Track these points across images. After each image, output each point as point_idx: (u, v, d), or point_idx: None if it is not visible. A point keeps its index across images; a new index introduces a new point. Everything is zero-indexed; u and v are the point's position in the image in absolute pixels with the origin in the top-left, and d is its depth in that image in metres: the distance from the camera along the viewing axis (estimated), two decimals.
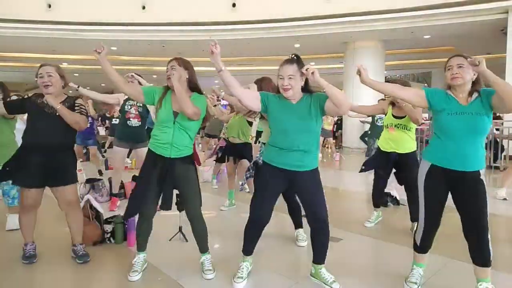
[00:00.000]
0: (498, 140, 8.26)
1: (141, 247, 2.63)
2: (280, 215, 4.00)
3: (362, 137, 11.09)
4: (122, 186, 4.94)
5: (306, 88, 2.32)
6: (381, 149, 3.60)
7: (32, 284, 2.52)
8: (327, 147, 11.95)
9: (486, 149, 8.33)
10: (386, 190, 4.76)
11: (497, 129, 8.45)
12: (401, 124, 3.43)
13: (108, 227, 3.22)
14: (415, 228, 3.47)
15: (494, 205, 4.75)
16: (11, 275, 2.61)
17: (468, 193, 2.15)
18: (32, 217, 2.82)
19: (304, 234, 3.21)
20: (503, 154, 8.32)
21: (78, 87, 3.85)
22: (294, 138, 2.26)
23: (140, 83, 3.98)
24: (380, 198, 3.83)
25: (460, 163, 2.14)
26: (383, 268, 2.82)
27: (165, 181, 2.45)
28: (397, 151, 3.47)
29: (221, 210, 4.34)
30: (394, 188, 4.59)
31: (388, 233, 3.59)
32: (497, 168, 7.91)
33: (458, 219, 2.23)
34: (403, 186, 3.66)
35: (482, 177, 2.16)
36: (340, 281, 2.46)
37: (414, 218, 3.49)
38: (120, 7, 10.47)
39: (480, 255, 2.15)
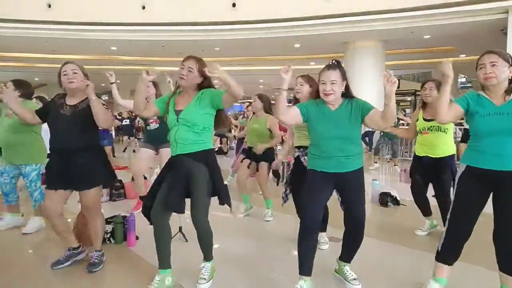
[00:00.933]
0: None
1: (159, 263, 2.35)
2: (280, 215, 4.01)
3: (362, 137, 11.09)
4: (122, 186, 4.95)
5: (347, 94, 2.30)
6: (416, 153, 3.50)
7: (30, 283, 2.52)
8: None
9: None
10: (386, 190, 4.78)
11: None
12: (433, 126, 3.27)
13: (108, 227, 3.22)
14: (428, 224, 3.48)
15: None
16: (9, 275, 2.61)
17: (505, 194, 1.99)
18: (57, 223, 2.70)
19: (326, 238, 3.20)
20: None
21: (113, 83, 3.77)
22: (333, 146, 2.24)
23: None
24: (423, 204, 3.54)
25: (496, 162, 1.99)
26: (383, 268, 2.82)
27: (174, 181, 2.31)
28: (430, 156, 3.33)
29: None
30: (393, 187, 4.60)
31: (388, 233, 3.59)
32: None
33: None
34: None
35: None
36: (340, 281, 2.46)
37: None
38: (120, 7, 10.46)
39: (507, 263, 2.01)
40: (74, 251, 2.80)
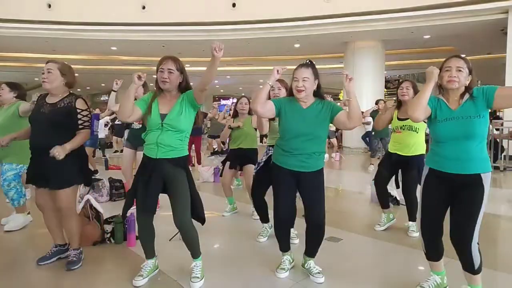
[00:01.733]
0: (498, 140, 8.25)
1: (146, 254, 2.56)
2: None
3: (363, 137, 11.08)
4: (122, 186, 4.95)
5: (318, 93, 2.43)
6: (388, 150, 3.67)
7: (29, 284, 2.52)
8: (329, 147, 11.76)
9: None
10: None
11: (497, 129, 8.42)
12: (406, 125, 3.41)
13: (108, 227, 3.22)
14: (409, 227, 3.55)
15: (494, 206, 4.75)
16: (5, 276, 2.61)
17: (463, 196, 2.05)
18: (48, 217, 2.76)
19: (295, 232, 3.23)
20: (503, 154, 8.31)
21: (115, 91, 3.90)
22: (299, 142, 2.37)
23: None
24: (383, 198, 3.72)
25: (454, 166, 2.06)
26: (383, 269, 2.82)
27: (151, 182, 2.33)
28: (398, 153, 3.48)
29: (223, 216, 4.19)
30: (394, 188, 4.59)
31: (388, 233, 3.58)
32: (497, 168, 7.91)
33: None
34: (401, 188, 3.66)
35: (484, 181, 2.02)
36: (338, 282, 2.46)
37: (411, 219, 3.55)
38: (120, 7, 10.45)
39: (463, 261, 2.09)
40: (61, 248, 2.82)
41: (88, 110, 2.74)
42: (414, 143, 3.41)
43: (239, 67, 15.92)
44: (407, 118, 3.36)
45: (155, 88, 2.46)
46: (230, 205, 4.33)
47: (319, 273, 2.50)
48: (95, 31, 10.75)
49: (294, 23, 10.30)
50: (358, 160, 10.07)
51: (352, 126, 2.32)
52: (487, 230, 3.81)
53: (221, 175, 4.30)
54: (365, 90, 11.17)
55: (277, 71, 2.30)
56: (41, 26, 10.45)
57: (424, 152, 3.46)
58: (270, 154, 3.18)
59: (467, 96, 2.07)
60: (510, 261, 2.98)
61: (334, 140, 11.30)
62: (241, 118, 4.07)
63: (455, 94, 2.09)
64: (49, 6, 10.36)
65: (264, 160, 3.26)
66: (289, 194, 2.50)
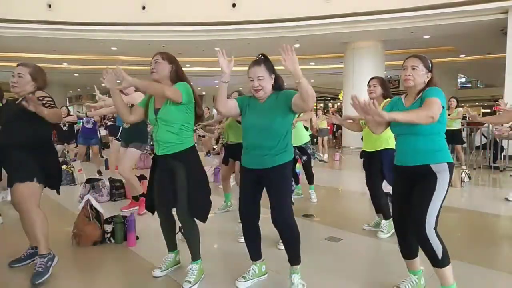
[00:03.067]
0: (498, 140, 8.25)
1: (167, 246, 2.65)
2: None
3: None
4: (122, 186, 4.94)
5: (276, 87, 2.32)
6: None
7: (27, 284, 2.52)
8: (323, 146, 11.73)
9: (485, 149, 8.33)
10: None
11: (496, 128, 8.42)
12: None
13: (108, 227, 3.22)
14: (375, 220, 3.62)
15: (494, 206, 4.75)
16: (7, 276, 2.60)
17: (416, 186, 2.11)
18: (23, 217, 2.64)
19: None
20: (503, 154, 8.31)
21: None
22: (252, 136, 2.29)
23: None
24: (374, 201, 3.69)
25: (403, 158, 2.17)
26: (383, 269, 2.82)
27: (160, 178, 2.46)
28: (365, 149, 3.59)
29: (215, 213, 4.26)
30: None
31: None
32: (496, 168, 7.91)
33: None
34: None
35: (437, 171, 2.05)
36: (337, 282, 2.46)
37: (383, 217, 3.57)
38: (120, 7, 10.46)
39: (425, 251, 2.08)
40: (36, 250, 2.74)
41: (49, 96, 2.62)
42: (376, 138, 3.40)
43: (239, 67, 15.71)
44: None
45: None
46: (224, 202, 4.41)
47: None
48: (95, 31, 10.76)
49: (294, 23, 10.31)
50: (358, 160, 10.04)
51: (309, 106, 2.15)
52: (487, 229, 3.82)
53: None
54: (365, 90, 11.16)
55: (226, 66, 2.16)
56: (41, 26, 10.45)
57: (386, 146, 3.46)
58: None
59: (421, 94, 2.12)
60: (509, 261, 2.98)
61: (325, 138, 11.24)
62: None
63: (412, 92, 2.18)
64: (49, 6, 10.37)
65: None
66: (250, 193, 2.37)
